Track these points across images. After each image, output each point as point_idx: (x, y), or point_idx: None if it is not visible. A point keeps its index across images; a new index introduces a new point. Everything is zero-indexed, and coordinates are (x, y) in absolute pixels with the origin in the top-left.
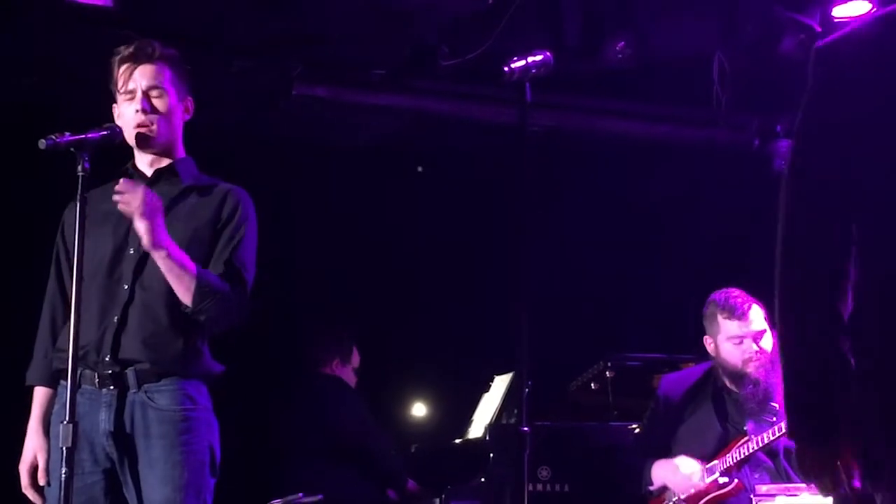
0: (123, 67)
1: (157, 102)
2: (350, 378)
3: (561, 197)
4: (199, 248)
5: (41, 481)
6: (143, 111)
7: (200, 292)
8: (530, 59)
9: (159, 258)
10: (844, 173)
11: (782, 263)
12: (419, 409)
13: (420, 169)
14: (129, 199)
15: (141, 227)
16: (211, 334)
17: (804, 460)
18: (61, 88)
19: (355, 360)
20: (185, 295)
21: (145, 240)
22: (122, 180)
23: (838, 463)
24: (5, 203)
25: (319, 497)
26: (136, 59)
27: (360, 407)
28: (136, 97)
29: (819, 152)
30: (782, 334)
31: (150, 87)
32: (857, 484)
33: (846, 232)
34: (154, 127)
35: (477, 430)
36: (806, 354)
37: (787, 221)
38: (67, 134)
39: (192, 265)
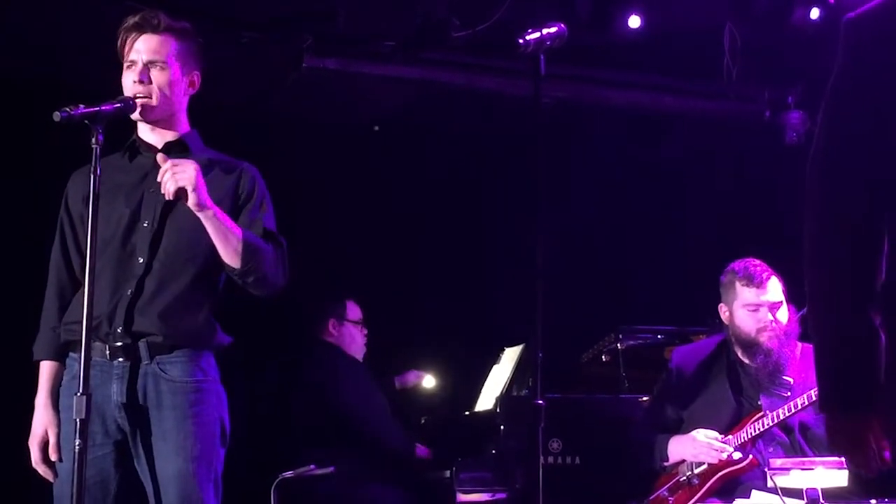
0: (127, 37)
1: (156, 74)
2: (351, 335)
3: (572, 169)
4: None
5: (52, 457)
6: (140, 82)
7: (248, 250)
8: (545, 31)
9: (206, 218)
10: (877, 145)
11: (816, 234)
12: (428, 382)
13: (376, 128)
14: (183, 168)
15: (191, 190)
16: (260, 295)
17: (835, 433)
18: (73, 62)
19: (353, 313)
20: (232, 255)
21: (193, 199)
22: (159, 154)
23: (869, 436)
24: (16, 177)
25: (331, 469)
26: (139, 29)
27: (359, 380)
28: (135, 67)
29: (850, 124)
30: (814, 305)
31: (151, 59)
32: (887, 456)
33: (880, 204)
34: (151, 99)
35: (487, 402)
36: (838, 325)
37: (820, 193)
38: (81, 106)
39: (236, 226)
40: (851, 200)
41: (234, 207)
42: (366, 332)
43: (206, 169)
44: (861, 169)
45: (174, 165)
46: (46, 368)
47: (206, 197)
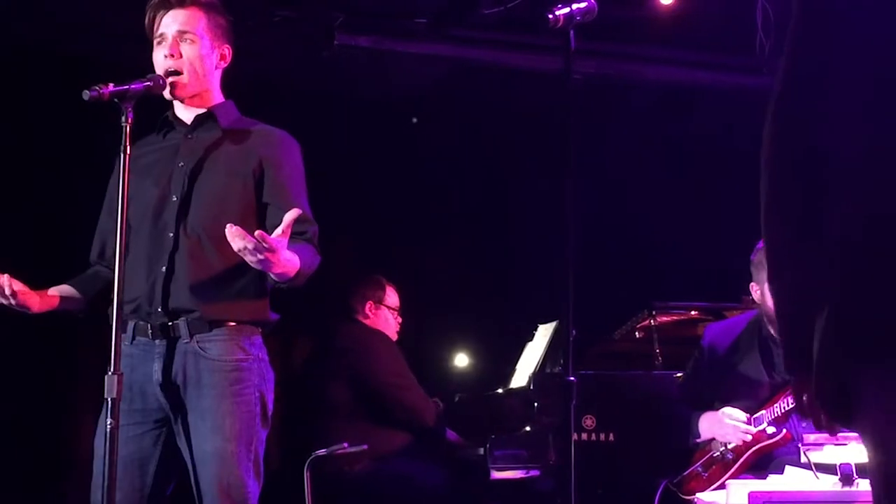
0: (155, 14)
1: (186, 48)
2: (386, 319)
3: (603, 145)
4: (239, 193)
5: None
6: (171, 55)
7: (300, 275)
8: (574, 5)
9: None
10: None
11: (764, 184)
12: (461, 360)
13: (415, 120)
14: (277, 255)
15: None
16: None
17: (792, 394)
18: (103, 40)
19: (390, 299)
20: (282, 277)
21: (275, 273)
22: (258, 232)
23: (805, 398)
24: (49, 155)
25: (364, 447)
26: (167, 5)
27: (392, 357)
28: (165, 42)
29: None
30: (767, 266)
31: (180, 33)
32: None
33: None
34: (183, 74)
35: (521, 379)
36: (781, 288)
37: (768, 138)
38: (111, 85)
39: (295, 257)
40: (792, 141)
41: (256, 178)
42: (400, 320)
43: (224, 139)
44: (805, 109)
45: (268, 251)
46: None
47: (282, 266)
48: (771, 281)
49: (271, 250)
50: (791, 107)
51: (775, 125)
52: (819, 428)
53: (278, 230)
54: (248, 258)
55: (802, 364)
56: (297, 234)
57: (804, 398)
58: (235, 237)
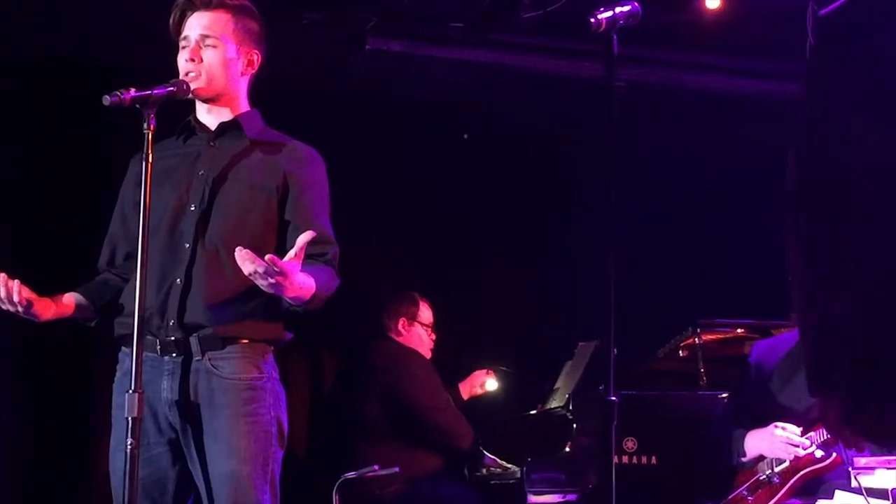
0: (180, 14)
1: (208, 53)
2: (420, 337)
3: (646, 155)
4: (262, 207)
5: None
6: (191, 60)
7: (315, 299)
8: (617, 9)
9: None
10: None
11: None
12: (491, 385)
13: (465, 136)
14: (289, 279)
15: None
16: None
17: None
18: (126, 42)
19: (425, 316)
20: (297, 301)
21: (289, 297)
22: (268, 256)
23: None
24: (69, 160)
25: (396, 469)
26: (192, 6)
27: (427, 377)
28: (188, 45)
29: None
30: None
31: (203, 36)
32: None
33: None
34: (203, 78)
35: (559, 399)
36: (806, 325)
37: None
38: (132, 90)
39: (310, 279)
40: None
41: (280, 195)
42: (433, 337)
43: (250, 151)
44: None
45: (279, 275)
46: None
47: (295, 290)
48: (798, 316)
49: (282, 274)
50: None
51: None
52: (848, 447)
53: (291, 252)
54: (259, 282)
55: (828, 386)
56: (316, 255)
57: (831, 419)
58: (245, 261)
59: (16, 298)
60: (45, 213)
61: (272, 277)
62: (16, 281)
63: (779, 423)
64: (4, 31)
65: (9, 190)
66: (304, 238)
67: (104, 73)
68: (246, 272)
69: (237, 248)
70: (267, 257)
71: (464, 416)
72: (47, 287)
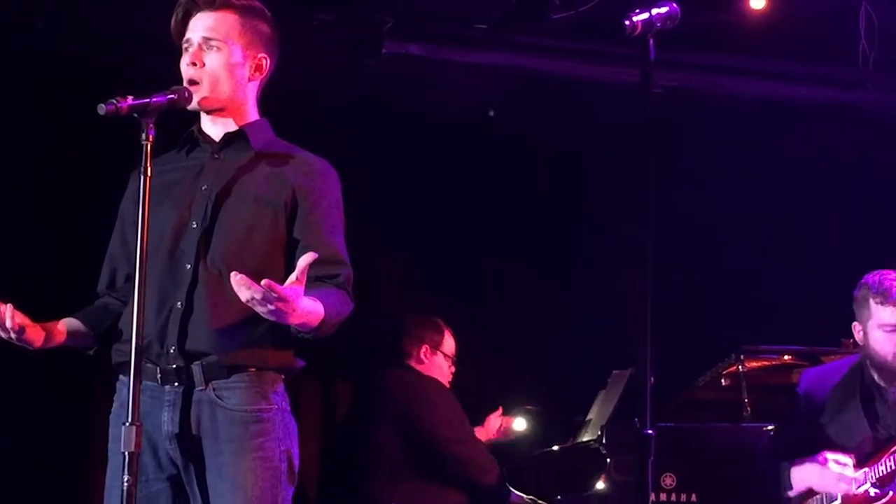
0: (182, 15)
1: (211, 57)
2: (440, 367)
3: (685, 167)
4: (268, 225)
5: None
6: (193, 64)
7: (324, 328)
8: (654, 11)
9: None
10: None
11: None
12: (519, 424)
13: (491, 113)
14: (291, 305)
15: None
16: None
17: None
18: (126, 46)
19: (448, 346)
20: (303, 328)
21: (292, 322)
22: (265, 282)
23: None
24: (63, 170)
25: None
26: (194, 7)
27: (449, 408)
28: (190, 49)
29: None
30: None
31: (206, 39)
32: None
33: None
34: (205, 84)
35: (592, 431)
36: None
37: None
38: (130, 98)
39: (319, 305)
40: None
41: (288, 210)
42: (454, 370)
43: (256, 163)
44: None
45: (280, 301)
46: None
47: (300, 317)
48: None
49: (283, 300)
50: None
51: None
52: None
53: (292, 277)
54: (258, 309)
55: None
56: (326, 277)
57: None
58: (241, 286)
59: (8, 324)
60: (45, 215)
61: (271, 304)
62: (8, 305)
63: (830, 454)
64: (4, 31)
65: (8, 191)
66: (305, 260)
67: (105, 76)
68: (243, 299)
69: (232, 273)
70: (263, 282)
71: (488, 451)
72: (47, 289)
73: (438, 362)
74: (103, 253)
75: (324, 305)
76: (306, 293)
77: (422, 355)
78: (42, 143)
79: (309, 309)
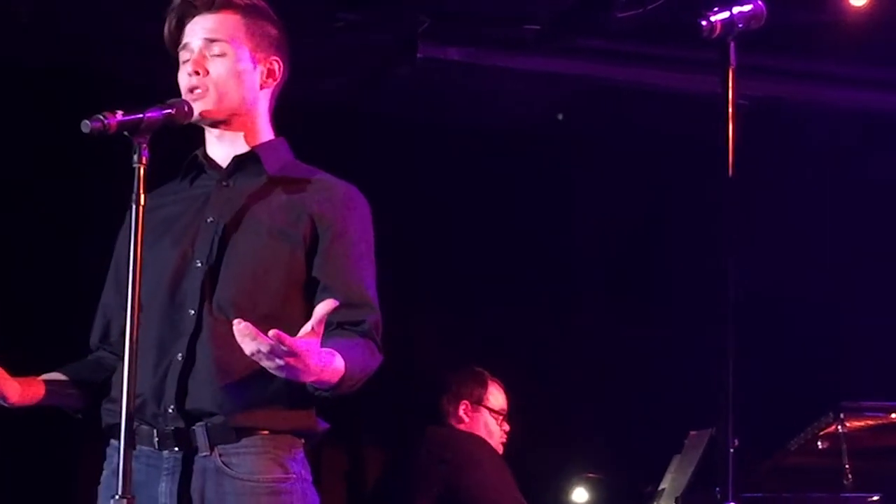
0: (177, 21)
1: (216, 63)
2: (487, 425)
3: (772, 190)
4: (285, 262)
5: None
6: (195, 73)
7: (344, 385)
8: (736, 9)
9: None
10: None
11: None
12: (580, 496)
13: (560, 117)
14: (303, 361)
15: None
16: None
17: None
18: (119, 53)
19: (495, 400)
20: (320, 384)
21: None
22: (273, 332)
23: None
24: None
25: None
26: (192, 9)
27: (497, 471)
28: (190, 56)
29: None
30: None
31: (208, 42)
32: None
33: None
34: (211, 95)
35: (667, 501)
36: None
37: None
38: (119, 113)
39: (339, 362)
40: None
41: (307, 244)
42: (507, 429)
43: (270, 190)
44: None
45: (294, 357)
46: None
47: (314, 374)
48: None
49: (294, 355)
50: None
51: None
52: None
53: (307, 327)
54: (265, 364)
55: None
56: (349, 324)
57: None
58: (245, 337)
59: None
60: (42, 225)
61: (281, 358)
62: None
63: None
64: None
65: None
66: (323, 308)
67: (94, 83)
68: (247, 351)
69: (235, 321)
70: (271, 333)
71: None
72: (47, 294)
73: (483, 420)
74: (97, 298)
75: (345, 359)
76: (325, 343)
77: (461, 413)
78: (39, 146)
79: (325, 364)
